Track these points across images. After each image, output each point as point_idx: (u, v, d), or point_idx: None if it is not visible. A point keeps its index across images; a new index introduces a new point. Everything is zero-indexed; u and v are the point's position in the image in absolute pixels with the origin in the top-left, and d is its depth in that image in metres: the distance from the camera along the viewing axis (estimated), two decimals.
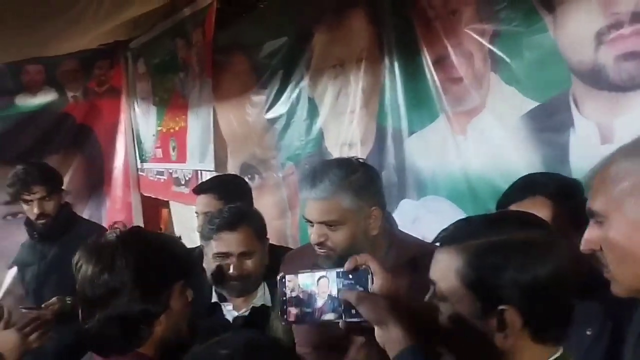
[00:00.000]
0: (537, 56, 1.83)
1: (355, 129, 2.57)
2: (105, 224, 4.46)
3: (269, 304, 2.02)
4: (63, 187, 3.03)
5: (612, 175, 1.03)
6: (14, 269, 4.36)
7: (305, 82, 2.85)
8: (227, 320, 2.05)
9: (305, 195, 1.64)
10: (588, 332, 1.32)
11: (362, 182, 1.62)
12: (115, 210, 4.81)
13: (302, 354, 1.74)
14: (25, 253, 3.15)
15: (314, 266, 1.65)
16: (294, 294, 1.21)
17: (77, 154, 4.82)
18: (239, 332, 0.87)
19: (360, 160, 1.71)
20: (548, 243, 0.95)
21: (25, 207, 2.93)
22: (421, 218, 2.24)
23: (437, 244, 1.02)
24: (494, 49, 1.95)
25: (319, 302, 1.19)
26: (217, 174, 3.61)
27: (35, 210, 2.87)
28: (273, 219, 2.98)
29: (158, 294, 1.34)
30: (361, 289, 1.15)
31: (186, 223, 3.88)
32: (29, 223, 2.98)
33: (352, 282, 1.17)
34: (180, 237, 1.83)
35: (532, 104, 1.86)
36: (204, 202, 2.47)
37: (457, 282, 0.95)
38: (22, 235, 4.21)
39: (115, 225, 3.42)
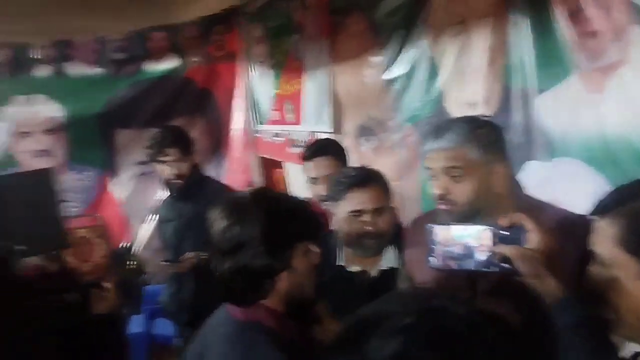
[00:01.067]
0: None
1: (478, 88, 2.49)
2: (225, 182, 4.65)
3: (397, 265, 2.03)
4: (195, 150, 3.21)
5: None
6: (150, 224, 4.72)
7: (425, 41, 2.79)
8: (352, 281, 2.09)
9: (429, 147, 1.61)
10: None
11: (489, 136, 1.58)
12: (234, 171, 5.01)
13: None
14: (165, 209, 3.38)
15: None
16: (445, 244, 1.33)
17: (199, 118, 5.03)
18: (416, 293, 0.78)
19: (486, 117, 1.67)
20: None
21: (159, 167, 3.13)
22: (551, 180, 2.15)
23: (594, 215, 1.00)
24: (636, 1, 1.81)
25: (474, 253, 1.30)
26: (333, 136, 3.66)
27: (170, 172, 3.07)
28: (391, 180, 2.98)
29: (281, 251, 1.41)
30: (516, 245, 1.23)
31: (301, 183, 3.98)
32: (166, 182, 3.18)
33: (508, 236, 1.26)
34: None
35: None
36: (324, 164, 2.49)
37: (617, 249, 0.92)
38: (154, 193, 4.56)
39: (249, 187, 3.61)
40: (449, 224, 1.35)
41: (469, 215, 1.56)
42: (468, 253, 1.32)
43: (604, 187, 1.91)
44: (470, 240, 1.32)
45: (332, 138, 3.13)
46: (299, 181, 4.10)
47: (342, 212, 2.07)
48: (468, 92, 2.55)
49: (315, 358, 1.28)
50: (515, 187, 1.68)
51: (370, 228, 2.02)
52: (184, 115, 4.93)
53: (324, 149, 2.57)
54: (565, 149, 2.13)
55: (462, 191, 1.56)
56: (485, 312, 0.75)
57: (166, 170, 3.10)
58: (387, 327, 0.63)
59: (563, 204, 1.67)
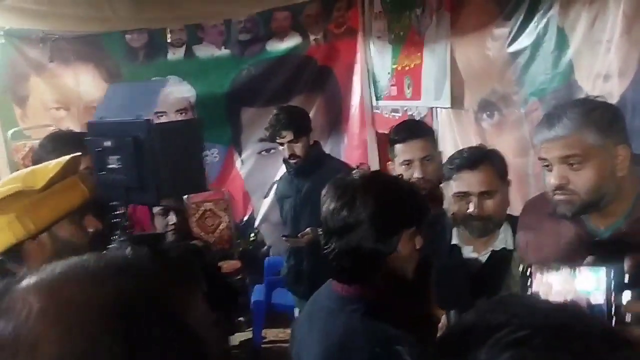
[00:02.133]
0: None
1: (612, 59, 2.31)
2: (344, 158, 4.72)
3: (511, 247, 1.98)
4: (311, 129, 3.30)
5: None
6: (269, 199, 4.91)
7: (554, 11, 2.63)
8: (464, 262, 2.05)
9: (543, 136, 1.51)
10: None
11: (605, 118, 1.47)
12: (352, 147, 5.05)
13: None
14: (283, 186, 3.53)
15: (554, 215, 1.55)
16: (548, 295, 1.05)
17: (319, 95, 5.11)
18: (536, 304, 0.65)
19: (600, 99, 1.55)
20: None
21: (279, 147, 3.30)
22: None
23: None
24: None
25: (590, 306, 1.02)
26: (453, 110, 3.58)
27: (286, 153, 3.23)
28: (514, 157, 2.88)
29: (389, 236, 1.43)
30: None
31: None
32: (285, 160, 3.32)
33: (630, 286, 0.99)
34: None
35: None
36: (418, 146, 2.40)
37: None
38: (275, 169, 4.74)
39: (361, 167, 3.62)
40: (549, 268, 1.10)
41: (591, 204, 1.48)
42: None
43: None
44: (582, 292, 1.02)
45: (420, 120, 3.11)
46: None
47: (450, 192, 2.05)
48: (601, 64, 2.38)
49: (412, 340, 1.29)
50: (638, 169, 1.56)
51: (474, 211, 1.96)
52: (304, 93, 5.02)
53: (416, 131, 2.49)
54: None
55: (584, 180, 1.46)
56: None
57: (284, 150, 3.25)
58: (498, 339, 0.56)
59: None
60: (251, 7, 4.78)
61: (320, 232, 2.55)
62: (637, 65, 2.21)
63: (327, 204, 1.48)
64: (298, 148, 3.21)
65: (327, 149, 4.95)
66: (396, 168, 2.44)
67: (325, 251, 1.50)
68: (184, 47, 4.94)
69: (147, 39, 4.86)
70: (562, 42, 2.60)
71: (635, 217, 1.48)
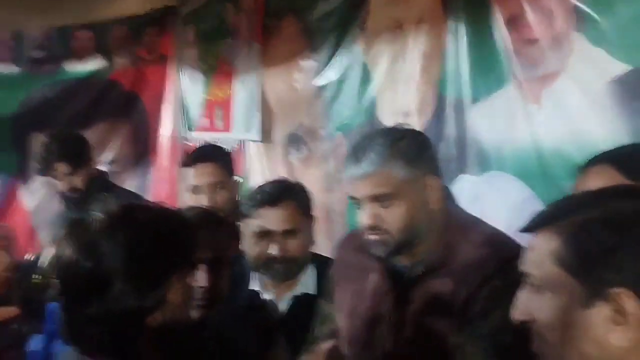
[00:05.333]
0: (633, 12, 1.58)
1: (412, 97, 2.36)
2: (150, 193, 4.39)
3: (314, 290, 1.80)
4: (92, 159, 2.82)
5: None
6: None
7: (359, 46, 2.64)
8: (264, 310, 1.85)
9: (350, 173, 1.40)
10: None
11: (412, 147, 1.38)
12: (161, 181, 4.73)
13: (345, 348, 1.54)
14: (62, 223, 3.03)
15: (366, 254, 1.45)
16: None
17: (125, 122, 4.73)
18: None
19: (406, 127, 1.48)
20: None
21: (50, 181, 2.80)
22: (483, 196, 2.02)
23: (529, 231, 0.83)
24: (580, 5, 1.71)
25: None
26: (263, 144, 3.46)
27: (62, 187, 2.71)
28: (319, 193, 2.80)
29: (153, 286, 1.12)
30: None
31: None
32: (61, 195, 2.82)
33: None
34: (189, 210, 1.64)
35: (623, 68, 1.62)
36: (207, 171, 2.19)
37: (554, 267, 0.76)
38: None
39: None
40: None
41: (405, 243, 1.37)
42: None
43: (535, 202, 1.81)
44: None
45: (217, 144, 2.89)
46: None
47: (249, 232, 1.84)
48: (401, 101, 2.42)
49: None
50: (449, 199, 1.52)
51: (277, 253, 1.78)
52: (107, 120, 4.62)
53: (206, 155, 2.28)
54: (500, 162, 2.02)
55: (395, 218, 1.36)
56: None
57: (58, 184, 2.73)
58: None
59: (493, 220, 1.52)
60: (44, 20, 4.29)
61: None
62: (434, 103, 2.26)
63: (64, 258, 1.12)
64: (77, 180, 2.69)
65: (132, 182, 4.57)
66: (184, 196, 2.19)
67: (71, 320, 1.14)
68: None
69: None
70: (366, 77, 2.62)
71: (434, 251, 1.40)
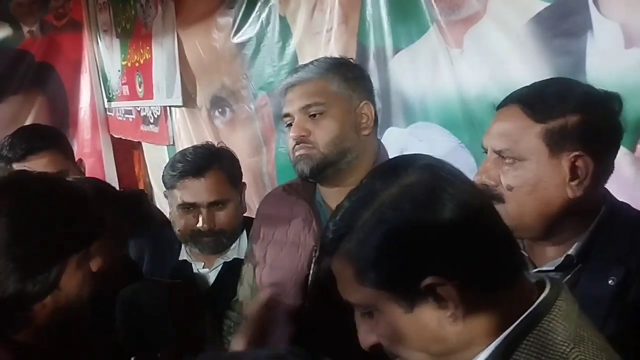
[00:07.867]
0: None
1: (332, 49, 2.23)
2: None
3: (243, 256, 1.71)
4: None
5: None
6: None
7: None
8: (194, 279, 1.78)
9: (287, 82, 1.41)
10: (610, 282, 1.04)
11: (352, 70, 1.42)
12: (83, 155, 4.48)
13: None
14: None
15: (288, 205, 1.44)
16: None
17: (39, 94, 4.48)
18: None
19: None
20: None
21: None
22: (409, 148, 1.95)
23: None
24: None
25: None
26: (187, 109, 3.29)
27: None
28: (247, 156, 2.68)
29: (43, 272, 1.01)
30: None
31: (160, 165, 3.57)
32: None
33: None
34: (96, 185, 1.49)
35: (541, 5, 1.55)
36: (44, 162, 1.86)
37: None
38: None
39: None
40: None
41: (331, 161, 1.35)
42: None
43: (462, 151, 1.76)
44: None
45: (47, 126, 2.53)
46: (158, 162, 3.69)
47: (174, 203, 1.73)
48: (323, 53, 2.28)
49: None
50: (381, 148, 1.48)
51: (204, 226, 1.69)
52: (20, 92, 4.40)
53: (39, 143, 1.93)
54: (424, 112, 1.94)
55: (324, 131, 1.35)
56: None
57: None
58: None
59: None
60: None
61: None
62: (356, 55, 2.15)
63: None
64: None
65: None
66: None
67: None
68: None
69: None
70: (285, 32, 2.48)
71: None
